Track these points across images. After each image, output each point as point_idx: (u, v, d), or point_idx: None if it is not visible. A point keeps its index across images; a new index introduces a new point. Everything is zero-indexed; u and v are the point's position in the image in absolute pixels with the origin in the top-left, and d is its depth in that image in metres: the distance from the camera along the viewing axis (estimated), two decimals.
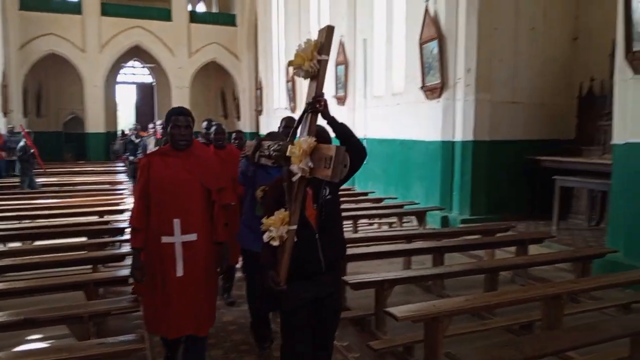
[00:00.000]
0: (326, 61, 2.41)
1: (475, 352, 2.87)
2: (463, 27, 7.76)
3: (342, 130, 2.47)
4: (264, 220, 2.43)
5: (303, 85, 14.04)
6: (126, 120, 23.40)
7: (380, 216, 7.54)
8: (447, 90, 8.04)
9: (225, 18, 21.83)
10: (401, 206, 7.73)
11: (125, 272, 4.42)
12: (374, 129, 10.33)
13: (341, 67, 11.16)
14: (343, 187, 4.00)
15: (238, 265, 4.55)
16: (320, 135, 2.38)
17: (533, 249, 5.48)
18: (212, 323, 3.20)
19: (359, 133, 9.91)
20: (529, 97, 8.45)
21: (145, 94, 24.29)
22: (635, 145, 4.96)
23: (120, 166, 15.24)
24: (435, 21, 7.96)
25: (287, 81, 14.90)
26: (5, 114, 16.38)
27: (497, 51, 8.01)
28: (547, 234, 5.88)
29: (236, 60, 21.46)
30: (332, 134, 2.49)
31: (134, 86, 24.62)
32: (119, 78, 23.50)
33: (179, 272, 2.92)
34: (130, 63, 23.16)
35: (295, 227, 2.39)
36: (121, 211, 7.37)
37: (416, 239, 5.71)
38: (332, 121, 2.46)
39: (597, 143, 7.64)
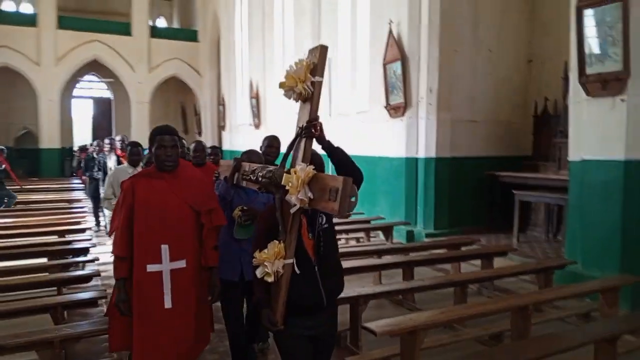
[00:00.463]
0: (320, 83, 2.28)
1: None
2: (425, 49, 8.05)
3: (341, 157, 2.30)
4: (256, 254, 2.25)
5: (267, 102, 14.18)
6: (83, 135, 22.73)
7: (348, 231, 7.63)
8: (410, 109, 8.29)
9: (186, 34, 21.70)
10: (368, 221, 7.86)
11: (92, 294, 4.34)
12: (339, 145, 10.46)
13: None
14: None
15: None
16: (315, 162, 2.22)
17: (497, 262, 5.70)
18: (205, 345, 3.06)
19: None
20: (486, 115, 8.84)
21: (103, 108, 23.71)
22: (590, 162, 5.27)
23: (76, 183, 14.76)
24: (398, 43, 8.22)
25: (252, 97, 14.92)
26: None
27: (456, 72, 8.35)
28: (510, 246, 6.13)
29: (198, 76, 21.31)
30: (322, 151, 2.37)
31: (91, 101, 24.00)
32: (75, 92, 22.87)
33: (167, 303, 2.70)
34: (88, 77, 22.59)
35: (291, 261, 2.24)
36: (83, 230, 7.15)
37: (385, 254, 5.82)
38: (329, 146, 2.30)
39: (553, 159, 8.05)
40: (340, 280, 2.49)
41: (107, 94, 23.59)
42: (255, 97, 14.70)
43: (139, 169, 5.08)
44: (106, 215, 7.87)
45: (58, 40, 18.84)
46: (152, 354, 2.72)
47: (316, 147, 2.33)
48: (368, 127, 9.46)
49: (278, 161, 3.39)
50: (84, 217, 8.26)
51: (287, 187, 2.14)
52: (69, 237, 6.72)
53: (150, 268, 2.69)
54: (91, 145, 10.79)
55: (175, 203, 2.76)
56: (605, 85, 5.06)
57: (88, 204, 10.69)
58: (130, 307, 2.71)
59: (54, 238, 6.80)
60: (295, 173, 2.14)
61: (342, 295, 3.99)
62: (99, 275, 4.78)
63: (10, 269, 5.11)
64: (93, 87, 23.78)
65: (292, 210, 2.17)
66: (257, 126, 14.89)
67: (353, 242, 7.68)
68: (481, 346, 3.99)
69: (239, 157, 3.15)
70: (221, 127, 19.42)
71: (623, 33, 4.81)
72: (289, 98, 2.35)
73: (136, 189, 2.75)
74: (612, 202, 5.05)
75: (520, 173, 8.30)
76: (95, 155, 9.42)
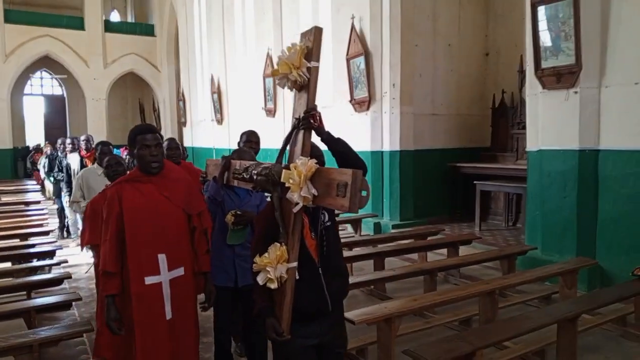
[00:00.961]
0: (317, 68, 2.09)
1: (428, 347, 3.10)
2: (387, 44, 8.21)
3: (341, 149, 2.12)
4: (256, 259, 2.06)
5: (229, 97, 14.06)
6: (35, 135, 21.88)
7: None
8: (375, 104, 8.44)
9: (143, 28, 21.18)
10: (337, 215, 7.97)
11: (64, 297, 4.27)
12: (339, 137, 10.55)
13: (270, 80, 11.29)
14: None
15: None
16: (314, 155, 2.03)
17: (462, 250, 5.93)
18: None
19: None
20: (447, 109, 9.14)
21: (56, 106, 22.85)
22: (547, 152, 5.55)
23: (32, 184, 14.24)
24: (361, 38, 8.34)
25: (213, 93, 14.75)
26: None
27: (418, 67, 8.58)
28: (474, 235, 6.38)
29: (156, 71, 20.86)
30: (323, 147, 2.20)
31: (43, 98, 23.09)
32: (27, 90, 21.95)
33: (168, 314, 2.56)
34: (39, 74, 21.73)
35: (295, 264, 2.05)
36: (46, 233, 6.97)
37: (355, 246, 5.96)
38: (328, 138, 2.12)
39: (511, 150, 8.40)
40: (346, 282, 2.32)
41: (59, 91, 22.75)
42: (217, 92, 14.54)
43: None
44: (77, 219, 7.63)
45: (6, 35, 18.01)
46: None
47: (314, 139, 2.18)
48: (333, 121, 9.51)
49: (258, 157, 3.38)
50: (45, 219, 8.03)
51: (287, 185, 1.96)
52: (32, 241, 6.54)
53: (149, 280, 2.52)
54: (58, 145, 10.32)
55: (167, 207, 2.59)
56: (560, 78, 5.33)
57: (49, 206, 10.40)
58: (122, 325, 2.52)
59: (16, 242, 6.60)
60: (295, 168, 1.95)
61: None
62: (70, 277, 4.71)
63: None
64: (45, 84, 22.88)
65: (295, 210, 1.99)
66: (219, 122, 14.75)
67: None
68: (452, 331, 4.17)
69: (227, 155, 3.02)
70: (182, 123, 19.11)
71: (575, 28, 5.08)
72: (283, 87, 2.17)
73: (123, 196, 2.53)
74: (568, 190, 5.35)
75: (480, 164, 8.63)
76: (59, 155, 9.10)
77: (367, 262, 5.55)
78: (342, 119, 9.23)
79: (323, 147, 2.20)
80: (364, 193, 1.76)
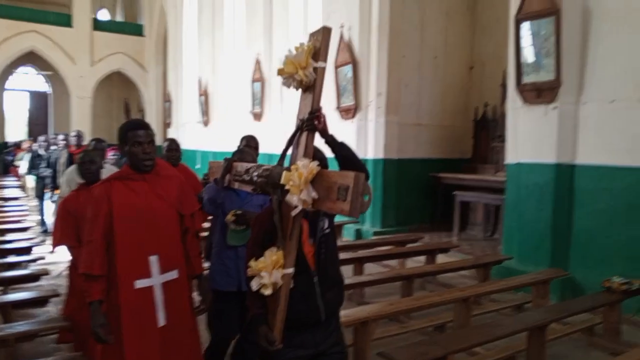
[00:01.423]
0: (324, 69, 2.05)
1: (402, 349, 3.17)
2: (375, 54, 8.33)
3: (345, 152, 2.03)
4: (251, 263, 2.00)
5: (216, 99, 14.07)
6: (17, 130, 21.59)
7: None
8: (360, 112, 8.54)
9: (131, 28, 21.11)
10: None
11: (41, 292, 4.25)
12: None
13: (257, 84, 11.36)
14: None
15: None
16: (317, 158, 1.98)
17: (440, 258, 6.03)
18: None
19: (277, 149, 10.13)
20: (431, 119, 9.28)
21: (40, 102, 22.61)
22: (525, 165, 5.69)
23: (10, 180, 14.04)
24: (349, 47, 8.45)
25: (200, 95, 14.75)
26: None
27: (404, 77, 8.71)
28: (452, 244, 6.48)
29: (143, 71, 20.78)
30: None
31: (27, 94, 22.82)
32: (9, 84, 21.68)
33: (161, 320, 2.39)
34: (24, 69, 21.48)
35: (291, 270, 1.98)
36: (24, 229, 6.91)
37: None
38: (331, 141, 2.05)
39: (491, 162, 8.55)
40: (340, 292, 2.24)
41: (44, 87, 22.51)
42: (204, 95, 14.55)
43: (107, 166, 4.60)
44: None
45: None
46: None
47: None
48: None
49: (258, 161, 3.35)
50: (24, 216, 7.94)
51: (287, 187, 1.90)
52: (9, 237, 6.47)
53: (140, 284, 2.35)
54: (41, 141, 10.13)
55: (161, 207, 2.45)
56: (540, 93, 5.48)
57: (28, 203, 10.27)
58: (109, 333, 2.31)
59: None
60: (296, 170, 1.89)
61: None
62: (47, 274, 4.68)
63: None
64: (29, 80, 22.62)
65: (294, 213, 1.92)
66: (205, 123, 14.75)
67: None
68: (426, 337, 4.24)
69: (229, 157, 2.94)
70: (167, 124, 19.03)
71: (556, 45, 5.23)
72: (288, 87, 2.10)
73: (113, 194, 2.37)
74: (544, 202, 5.48)
75: (460, 174, 8.78)
76: (42, 152, 8.93)
77: (346, 267, 5.60)
78: (329, 127, 9.32)
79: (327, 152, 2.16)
80: (366, 197, 1.73)
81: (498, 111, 8.58)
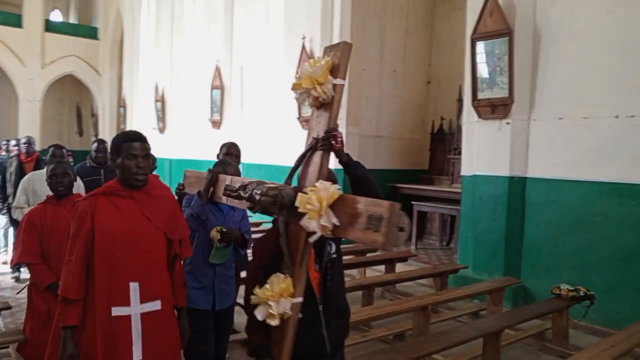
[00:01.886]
0: (342, 86, 1.92)
1: (364, 358, 3.23)
2: None
3: (361, 174, 1.94)
4: (256, 290, 1.86)
5: (173, 106, 13.85)
6: None
7: None
8: None
9: (85, 30, 20.47)
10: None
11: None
12: (251, 154, 10.53)
13: (217, 92, 11.26)
14: None
15: None
16: (330, 179, 1.87)
17: (398, 267, 6.15)
18: None
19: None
20: (390, 132, 9.52)
21: None
22: (480, 177, 5.92)
23: None
24: (311, 58, 8.54)
25: (157, 101, 14.47)
26: None
27: (364, 90, 8.90)
28: (410, 253, 6.63)
29: (97, 75, 20.17)
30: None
31: None
32: None
33: (137, 354, 2.17)
34: None
35: (301, 299, 1.84)
36: None
37: None
38: (348, 161, 1.93)
39: (447, 173, 8.84)
40: (346, 324, 2.13)
41: None
42: (161, 101, 14.28)
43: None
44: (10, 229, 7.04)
45: None
46: None
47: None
48: (280, 137, 9.66)
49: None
50: None
51: (302, 210, 1.75)
52: None
53: (116, 311, 2.15)
54: None
55: (147, 229, 2.25)
56: (494, 109, 5.73)
57: None
58: None
59: None
60: (315, 193, 1.74)
61: None
62: None
63: None
64: None
65: (312, 240, 1.78)
66: (161, 130, 14.46)
67: None
68: (386, 345, 4.33)
69: (212, 168, 2.76)
70: (121, 130, 18.53)
71: (509, 65, 5.50)
72: (301, 103, 1.98)
73: (96, 211, 2.18)
74: (498, 213, 5.71)
75: (418, 185, 9.01)
76: None
77: None
78: (288, 136, 9.36)
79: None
80: (401, 230, 1.60)
81: (454, 125, 8.89)
